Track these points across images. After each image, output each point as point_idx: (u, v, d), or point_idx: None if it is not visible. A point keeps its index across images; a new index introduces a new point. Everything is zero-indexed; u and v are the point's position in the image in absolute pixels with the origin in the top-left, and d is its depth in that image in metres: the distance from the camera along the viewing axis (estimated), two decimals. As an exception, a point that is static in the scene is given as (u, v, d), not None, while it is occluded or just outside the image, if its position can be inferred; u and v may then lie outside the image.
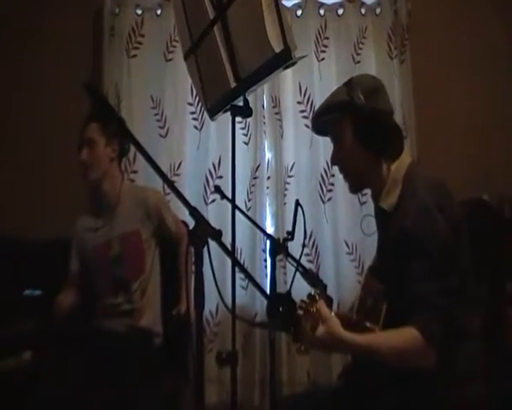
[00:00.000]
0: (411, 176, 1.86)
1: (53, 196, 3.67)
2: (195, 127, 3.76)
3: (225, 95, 2.02)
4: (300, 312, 1.70)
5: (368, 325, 1.75)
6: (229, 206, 2.89)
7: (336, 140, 1.99)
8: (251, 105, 2.05)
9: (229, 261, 3.33)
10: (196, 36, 2.13)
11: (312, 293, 1.71)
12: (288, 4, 3.78)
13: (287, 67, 1.69)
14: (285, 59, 1.64)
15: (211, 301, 3.41)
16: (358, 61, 3.82)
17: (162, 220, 2.90)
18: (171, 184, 1.61)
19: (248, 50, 1.83)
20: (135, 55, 3.76)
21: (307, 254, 3.64)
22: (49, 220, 3.55)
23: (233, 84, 1.96)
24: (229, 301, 1.91)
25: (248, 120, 3.63)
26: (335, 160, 2.02)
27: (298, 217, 2.36)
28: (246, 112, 1.97)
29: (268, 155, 3.77)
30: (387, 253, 1.92)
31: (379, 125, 1.88)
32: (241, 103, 1.95)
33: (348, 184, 2.03)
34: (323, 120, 1.96)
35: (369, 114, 1.85)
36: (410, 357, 1.68)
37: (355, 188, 2.05)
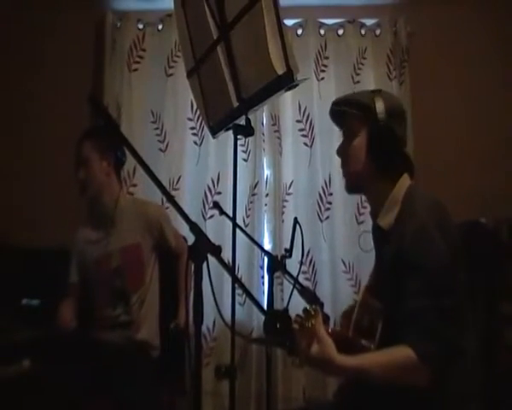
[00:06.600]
0: (411, 197, 1.86)
1: (54, 206, 3.70)
2: (195, 142, 3.79)
3: (228, 114, 2.04)
4: (296, 326, 1.70)
5: (363, 342, 1.75)
6: (228, 222, 2.92)
7: (348, 135, 1.97)
8: (250, 122, 2.08)
9: (226, 277, 3.36)
10: (200, 55, 2.16)
11: (308, 308, 1.70)
12: (289, 23, 3.81)
13: (289, 89, 1.71)
14: (287, 81, 1.66)
15: (208, 316, 3.43)
16: (358, 82, 3.84)
17: (163, 234, 2.91)
18: (171, 199, 1.61)
19: (251, 71, 1.85)
20: (136, 69, 3.81)
21: (304, 272, 3.65)
22: (48, 230, 3.57)
23: (235, 104, 1.98)
24: (226, 316, 1.92)
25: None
26: (341, 153, 2.01)
27: (296, 235, 2.39)
28: (248, 131, 1.98)
29: (267, 173, 3.79)
30: (384, 271, 1.91)
31: (390, 146, 1.87)
32: (243, 122, 1.97)
33: (345, 181, 2.01)
34: (341, 110, 1.95)
35: (385, 131, 1.85)
36: (403, 376, 1.66)
37: (351, 188, 2.02)
